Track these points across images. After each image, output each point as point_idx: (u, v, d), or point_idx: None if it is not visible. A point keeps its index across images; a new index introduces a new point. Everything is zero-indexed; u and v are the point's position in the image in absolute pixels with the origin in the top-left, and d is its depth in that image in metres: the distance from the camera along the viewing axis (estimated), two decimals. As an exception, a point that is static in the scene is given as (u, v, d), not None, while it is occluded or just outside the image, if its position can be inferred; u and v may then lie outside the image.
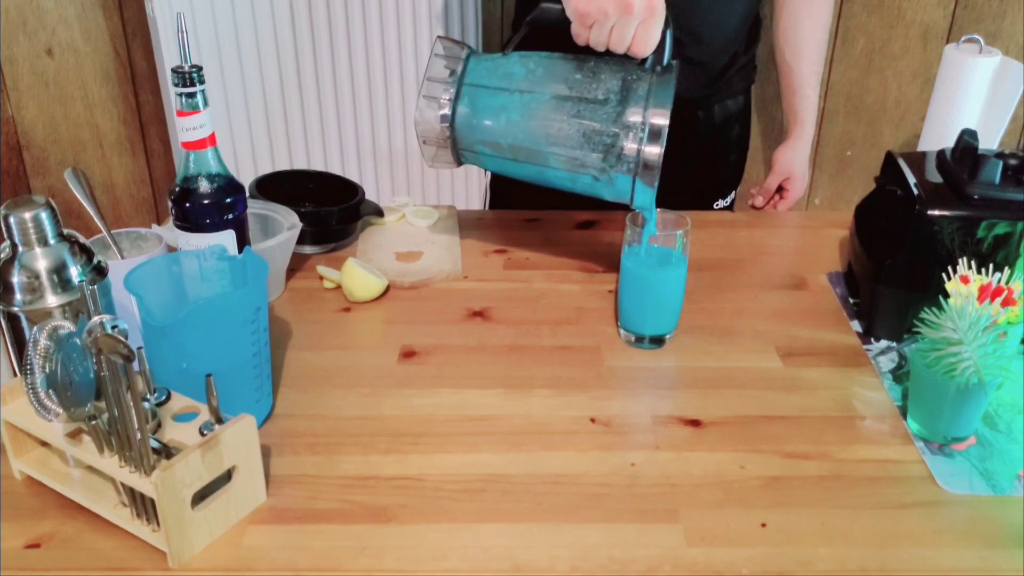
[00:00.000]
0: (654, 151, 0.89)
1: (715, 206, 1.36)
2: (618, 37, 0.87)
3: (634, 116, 0.89)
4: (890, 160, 0.99)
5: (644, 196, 0.91)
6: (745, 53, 1.27)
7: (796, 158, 1.32)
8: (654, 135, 0.88)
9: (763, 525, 0.68)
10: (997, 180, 0.88)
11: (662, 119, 0.88)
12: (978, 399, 0.76)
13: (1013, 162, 0.89)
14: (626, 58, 0.90)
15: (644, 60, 0.90)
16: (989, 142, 1.15)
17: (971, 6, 1.68)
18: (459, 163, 0.99)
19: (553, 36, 0.91)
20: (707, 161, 1.32)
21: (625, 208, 0.93)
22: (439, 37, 0.98)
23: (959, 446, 0.77)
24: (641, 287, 0.90)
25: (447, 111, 0.94)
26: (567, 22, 0.88)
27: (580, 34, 0.89)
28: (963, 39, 1.19)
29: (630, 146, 0.89)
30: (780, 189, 1.35)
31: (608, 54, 0.90)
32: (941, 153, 0.96)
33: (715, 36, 1.19)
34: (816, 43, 1.30)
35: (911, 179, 0.92)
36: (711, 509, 0.70)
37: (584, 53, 0.92)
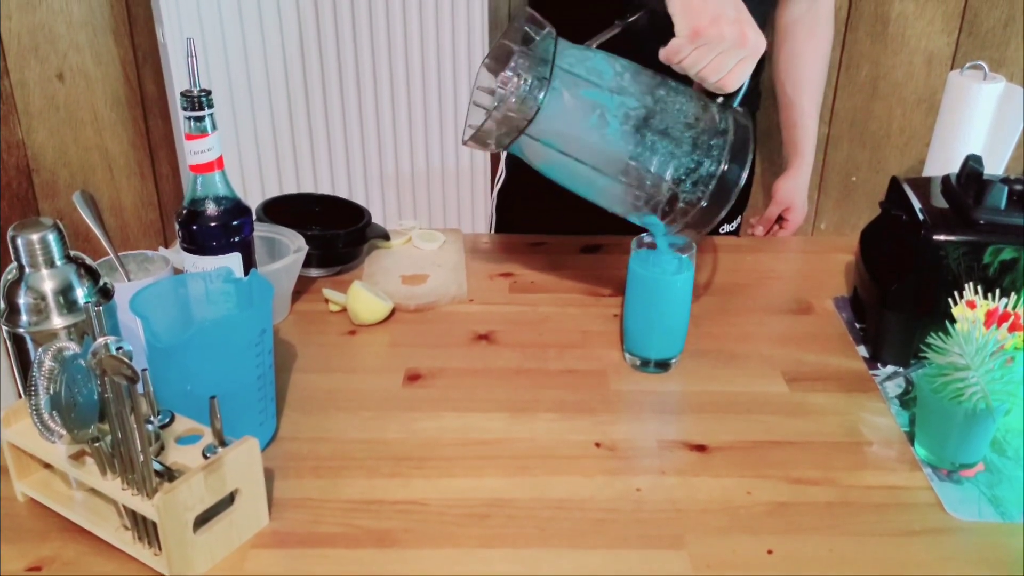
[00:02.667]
0: (714, 213, 0.85)
1: (721, 231, 1.36)
2: (718, 65, 0.84)
3: (708, 162, 0.86)
4: (895, 185, 0.99)
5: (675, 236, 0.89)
6: (751, 80, 1.28)
7: (796, 189, 1.32)
8: (722, 192, 0.85)
9: (770, 552, 0.68)
10: (1003, 205, 0.87)
11: (739, 176, 0.85)
12: (986, 425, 0.75)
13: (1019, 187, 0.89)
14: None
15: (718, 95, 0.89)
16: (994, 168, 1.15)
17: (975, 33, 1.69)
18: (500, 148, 0.89)
19: (625, 45, 0.88)
20: None
21: (630, 232, 0.93)
22: (528, 7, 0.89)
23: (967, 472, 0.76)
24: (647, 300, 0.89)
25: (541, 92, 0.83)
26: (666, 34, 0.84)
27: (680, 51, 0.84)
28: (967, 65, 1.20)
29: (692, 195, 0.86)
30: (780, 219, 1.35)
31: (683, 79, 0.87)
32: (946, 178, 0.96)
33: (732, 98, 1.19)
34: (817, 76, 1.30)
35: (916, 204, 0.92)
36: (717, 535, 0.69)
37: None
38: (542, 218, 1.28)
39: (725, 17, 0.83)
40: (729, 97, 0.89)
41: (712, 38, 0.83)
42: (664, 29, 0.85)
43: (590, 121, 0.86)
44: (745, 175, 0.87)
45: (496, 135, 0.87)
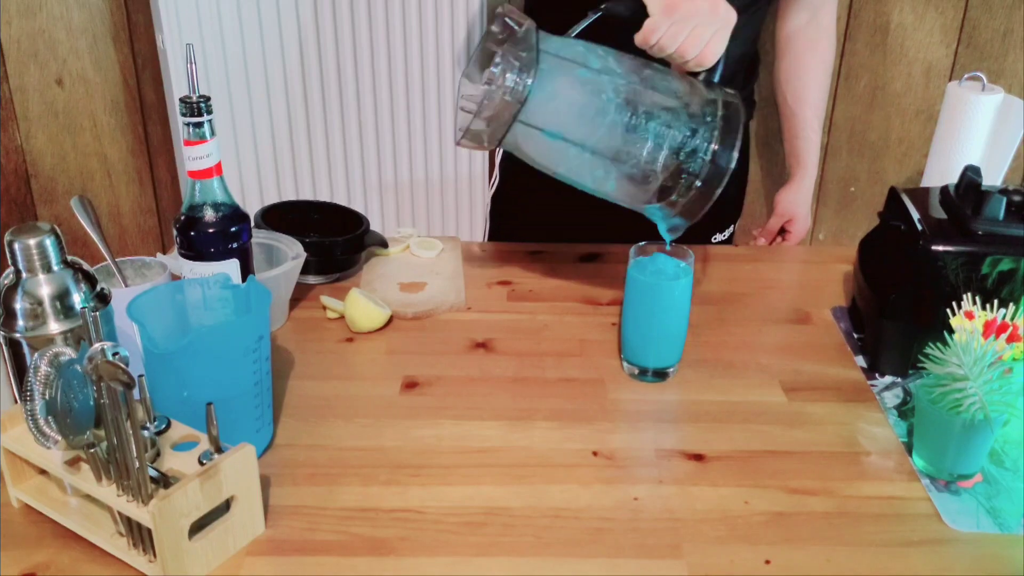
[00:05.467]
0: (709, 194, 0.86)
1: (713, 240, 1.36)
2: (696, 38, 0.85)
3: (699, 142, 0.86)
4: (894, 196, 0.99)
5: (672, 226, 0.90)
6: (743, 89, 1.28)
7: (799, 200, 1.32)
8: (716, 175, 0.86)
9: (767, 562, 0.67)
10: (1001, 216, 0.88)
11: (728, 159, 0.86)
12: (984, 436, 0.75)
13: (1017, 198, 0.89)
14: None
15: (698, 74, 0.89)
16: (993, 178, 1.16)
17: (974, 45, 1.69)
18: (495, 144, 0.87)
19: (604, 38, 0.88)
20: None
21: (628, 240, 0.93)
22: (501, 7, 0.89)
23: (965, 483, 0.76)
24: (646, 306, 0.89)
25: (529, 77, 0.82)
26: (640, 17, 0.85)
27: (657, 29, 0.84)
28: (966, 76, 1.20)
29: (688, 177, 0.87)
30: (783, 231, 1.35)
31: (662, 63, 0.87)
32: (945, 189, 0.96)
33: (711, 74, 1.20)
34: (818, 87, 1.31)
35: (915, 215, 0.92)
36: (715, 545, 0.69)
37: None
38: (537, 223, 1.28)
39: None
40: (710, 73, 0.90)
41: (686, 12, 0.84)
42: (641, 18, 0.86)
43: (582, 99, 0.86)
44: (737, 152, 0.87)
45: (490, 129, 0.87)
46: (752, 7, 1.20)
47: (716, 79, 0.90)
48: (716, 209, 1.35)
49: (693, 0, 0.83)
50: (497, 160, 1.35)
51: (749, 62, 1.27)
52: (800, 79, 1.29)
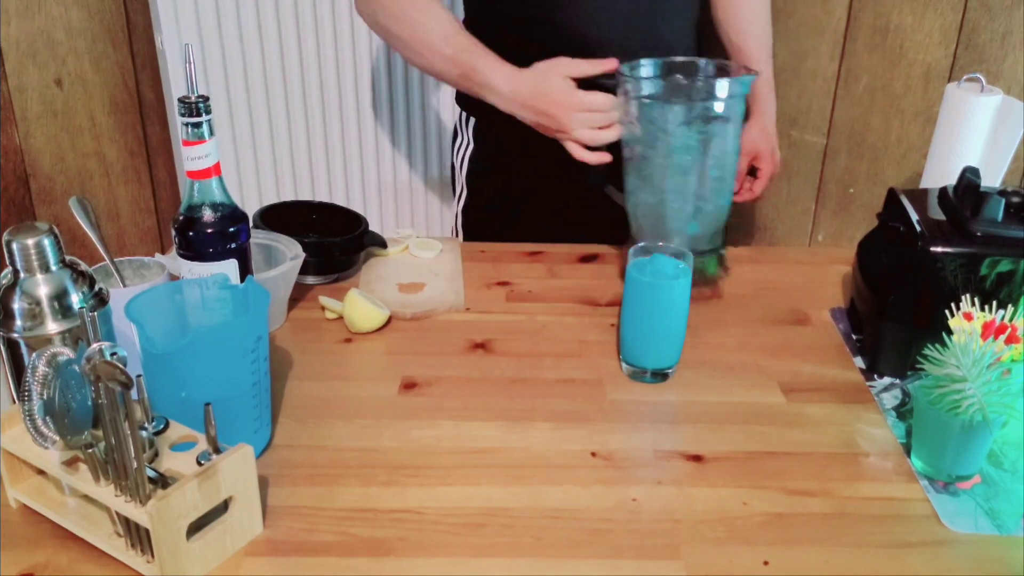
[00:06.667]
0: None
1: None
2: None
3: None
4: (893, 197, 0.99)
5: None
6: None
7: (759, 135, 1.29)
8: None
9: (766, 563, 0.67)
10: (1000, 217, 0.88)
11: None
12: (983, 437, 0.75)
13: (1016, 199, 0.89)
14: None
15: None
16: (991, 180, 1.16)
17: (972, 46, 1.69)
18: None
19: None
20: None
21: (625, 243, 0.93)
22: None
23: (964, 484, 0.76)
24: (645, 305, 0.89)
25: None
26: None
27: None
28: (964, 78, 1.20)
29: None
30: (753, 171, 1.31)
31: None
32: (943, 190, 0.97)
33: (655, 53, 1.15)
34: (758, 19, 1.30)
35: (914, 216, 0.92)
36: (713, 546, 0.69)
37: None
38: (505, 231, 1.27)
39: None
40: None
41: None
42: None
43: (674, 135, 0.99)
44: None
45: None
46: None
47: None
48: None
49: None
50: (462, 172, 1.34)
51: (696, 42, 1.28)
52: (739, 13, 1.28)
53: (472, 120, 1.31)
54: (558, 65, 1.06)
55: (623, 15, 1.17)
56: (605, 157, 1.07)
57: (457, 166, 1.35)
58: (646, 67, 1.05)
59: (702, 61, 1.05)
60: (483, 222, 1.35)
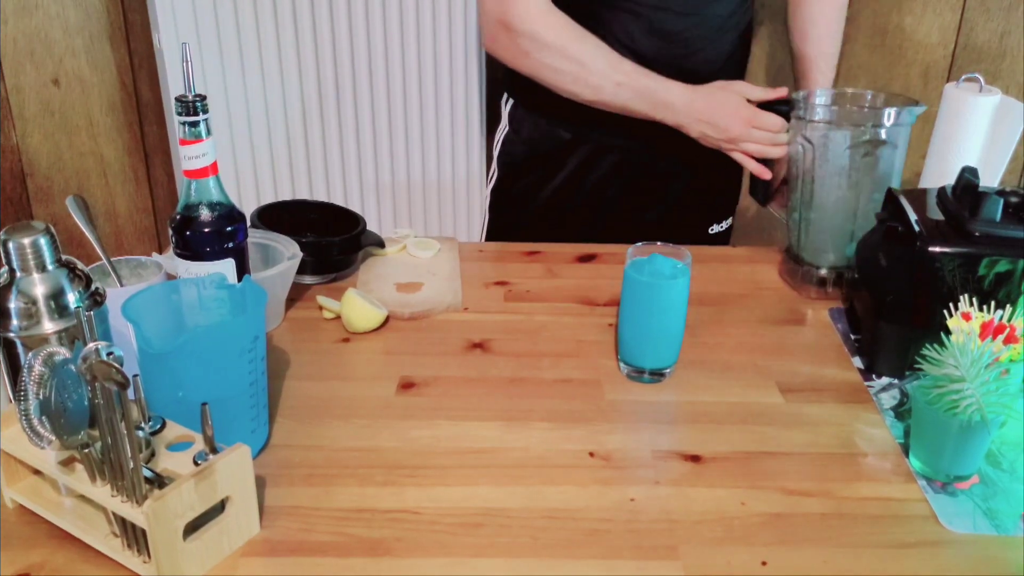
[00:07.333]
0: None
1: (711, 231, 1.36)
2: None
3: None
4: (891, 197, 0.99)
5: None
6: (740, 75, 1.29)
7: None
8: None
9: (764, 563, 0.67)
10: (998, 217, 0.88)
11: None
12: (981, 437, 0.75)
13: (1014, 199, 0.89)
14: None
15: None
16: (990, 180, 1.15)
17: (971, 46, 1.69)
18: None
19: None
20: (702, 184, 1.32)
21: (625, 241, 0.93)
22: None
23: (962, 485, 0.76)
24: (643, 305, 0.88)
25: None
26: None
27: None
28: (963, 78, 1.20)
29: None
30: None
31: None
32: (942, 190, 0.96)
33: (704, 68, 1.21)
34: (825, 24, 1.30)
35: (912, 216, 0.92)
36: (712, 546, 0.69)
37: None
38: (535, 219, 1.29)
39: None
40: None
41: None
42: None
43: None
44: None
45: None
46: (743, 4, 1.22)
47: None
48: (713, 200, 1.36)
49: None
50: (496, 154, 1.36)
51: (742, 57, 1.28)
52: (803, 18, 1.30)
53: (510, 102, 1.33)
54: (735, 85, 1.16)
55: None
56: (767, 173, 1.16)
57: (495, 149, 1.39)
58: (820, 96, 1.15)
59: (869, 93, 1.14)
60: (512, 206, 1.37)
